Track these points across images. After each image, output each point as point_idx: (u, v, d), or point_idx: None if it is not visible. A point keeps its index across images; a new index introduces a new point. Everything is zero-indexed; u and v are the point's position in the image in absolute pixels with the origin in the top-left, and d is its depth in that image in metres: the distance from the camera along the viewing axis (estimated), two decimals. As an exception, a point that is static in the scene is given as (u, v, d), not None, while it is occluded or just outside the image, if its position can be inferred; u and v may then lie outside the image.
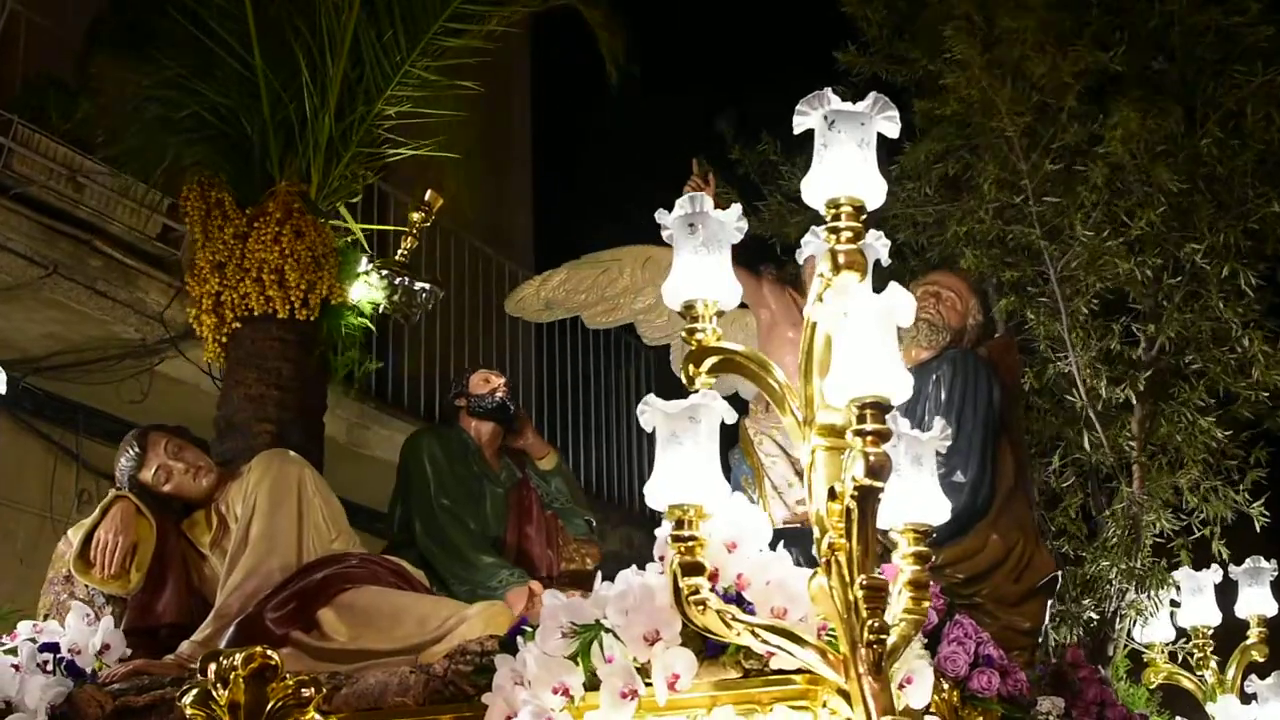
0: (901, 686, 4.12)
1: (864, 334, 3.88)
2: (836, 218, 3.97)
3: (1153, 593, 7.36)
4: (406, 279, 6.67)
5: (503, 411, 6.71)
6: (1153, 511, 7.70)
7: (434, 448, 6.60)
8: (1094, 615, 7.45)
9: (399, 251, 6.77)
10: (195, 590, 5.52)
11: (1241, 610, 7.69)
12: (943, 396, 5.83)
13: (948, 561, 5.54)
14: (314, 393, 6.48)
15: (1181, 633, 7.70)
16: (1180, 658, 7.69)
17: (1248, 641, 7.65)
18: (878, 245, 4.21)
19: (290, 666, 4.67)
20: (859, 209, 3.97)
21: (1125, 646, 7.49)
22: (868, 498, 3.81)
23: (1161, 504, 7.78)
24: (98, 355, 9.08)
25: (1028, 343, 8.27)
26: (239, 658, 4.41)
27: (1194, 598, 7.54)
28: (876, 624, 3.77)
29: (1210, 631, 7.58)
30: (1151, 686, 7.56)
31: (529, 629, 4.32)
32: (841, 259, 3.96)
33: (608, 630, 4.12)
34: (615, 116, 10.98)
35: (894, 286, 3.94)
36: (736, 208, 4.26)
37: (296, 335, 6.38)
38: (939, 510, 4.00)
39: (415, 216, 6.89)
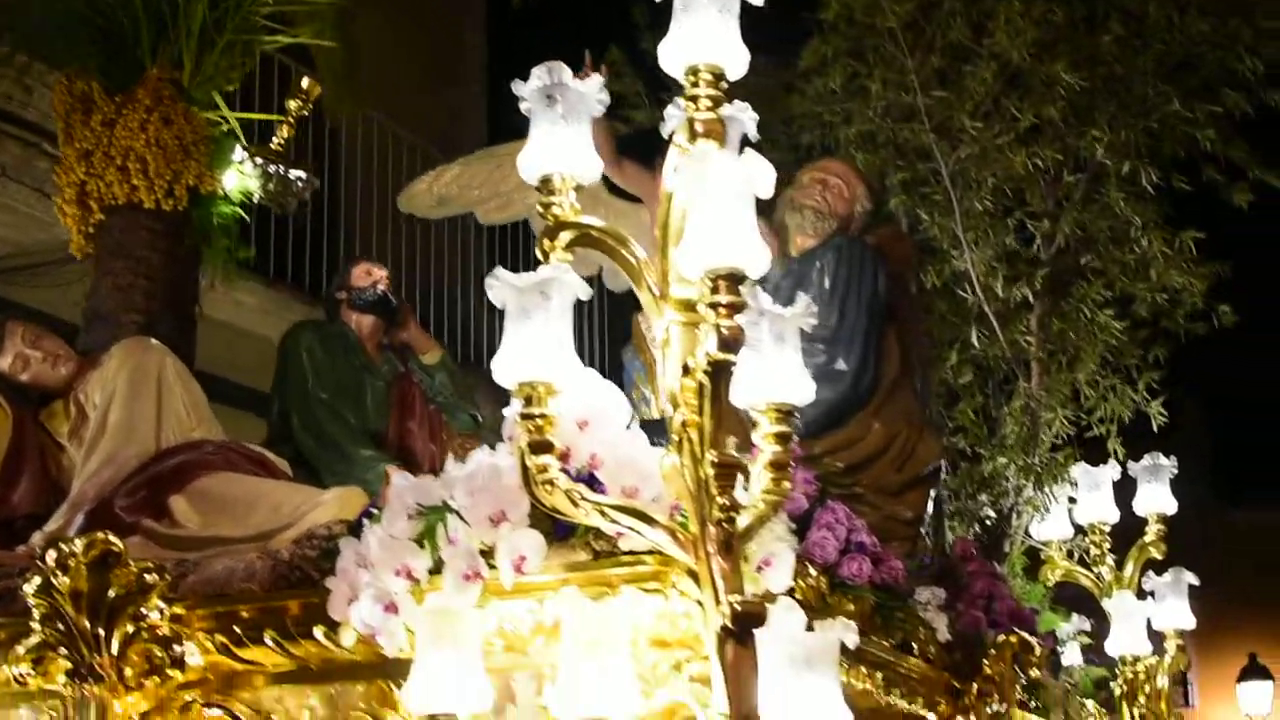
0: (760, 569, 3.99)
1: (720, 203, 3.71)
2: (695, 85, 3.79)
3: (1050, 489, 7.28)
4: (281, 168, 6.48)
5: (384, 304, 6.59)
6: (1051, 410, 7.61)
7: (312, 341, 6.47)
8: (991, 513, 7.37)
9: (274, 140, 6.59)
10: (53, 481, 5.34)
11: (1140, 508, 7.65)
12: (826, 284, 5.69)
13: (827, 450, 5.43)
14: (185, 283, 6.29)
15: (1079, 530, 7.64)
16: (1077, 555, 7.63)
17: (1146, 539, 7.61)
18: (742, 117, 4.03)
19: (139, 554, 4.55)
20: (718, 76, 3.79)
21: (1022, 544, 7.42)
22: (720, 372, 3.67)
23: (1060, 401, 7.69)
24: (46, 259, 8.84)
25: (929, 242, 8.15)
26: (79, 544, 4.27)
27: (1091, 494, 7.49)
28: (726, 502, 3.63)
29: (1108, 528, 7.54)
30: (1048, 584, 7.50)
31: (376, 512, 4.17)
32: (699, 127, 3.79)
33: (454, 512, 3.97)
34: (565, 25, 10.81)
35: (752, 154, 3.77)
36: (597, 78, 4.07)
37: (166, 225, 6.19)
38: (802, 390, 3.84)
39: (292, 105, 6.70)
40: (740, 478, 3.99)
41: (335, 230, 11.38)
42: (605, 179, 5.98)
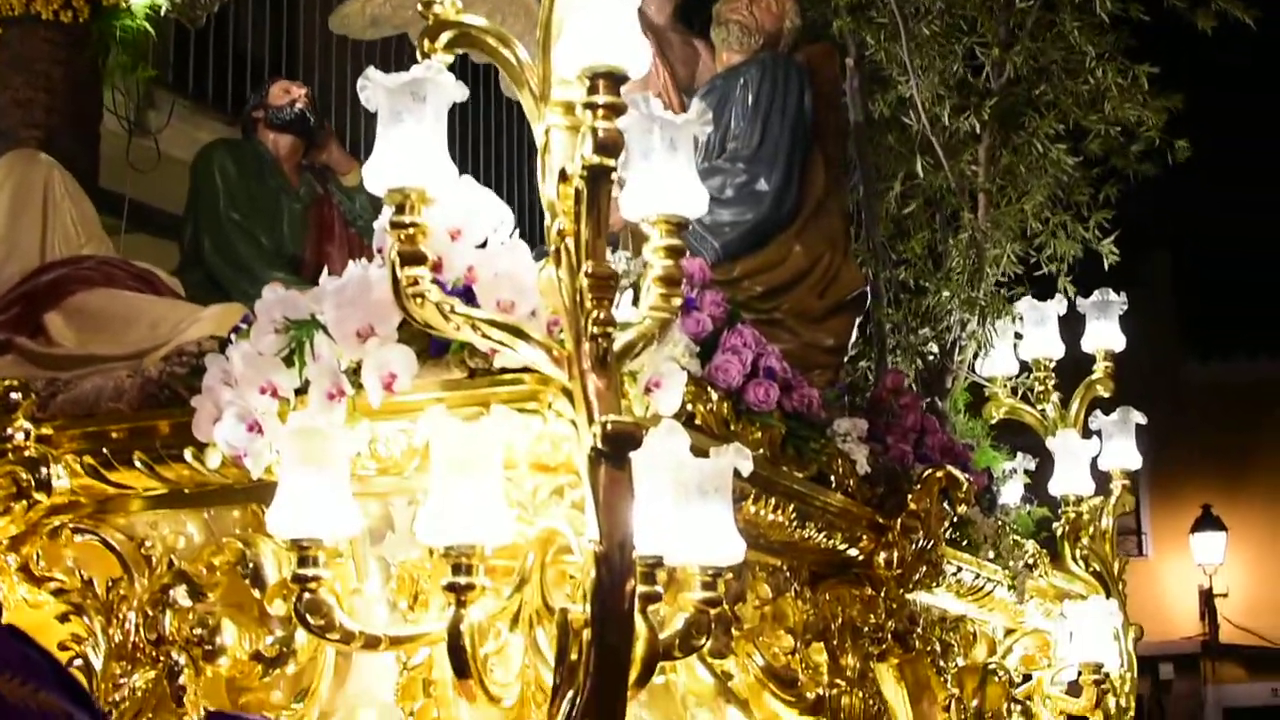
0: (649, 391, 3.77)
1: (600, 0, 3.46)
2: None
3: (994, 324, 7.06)
4: (188, -21, 6.18)
5: (302, 123, 6.33)
6: (998, 245, 7.36)
7: (225, 160, 6.21)
8: (933, 348, 7.16)
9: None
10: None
11: (1088, 344, 7.44)
12: (749, 101, 5.42)
13: (746, 273, 5.20)
14: (88, 98, 6.00)
15: (1024, 367, 7.44)
16: (1022, 392, 7.43)
17: (1093, 376, 7.41)
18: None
19: (11, 373, 4.32)
20: None
21: (965, 380, 7.22)
22: (599, 178, 3.43)
23: (1008, 236, 7.43)
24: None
25: (877, 71, 7.82)
26: (-62, 361, 4.03)
27: (1037, 329, 7.27)
28: (602, 315, 3.40)
29: (1053, 364, 7.33)
30: (992, 421, 7.31)
31: (246, 327, 3.94)
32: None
33: (321, 327, 3.74)
34: None
35: (636, -53, 3.50)
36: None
37: (67, 37, 5.88)
38: (695, 201, 3.60)
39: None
40: (630, 294, 3.79)
41: (294, 64, 10.99)
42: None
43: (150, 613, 4.09)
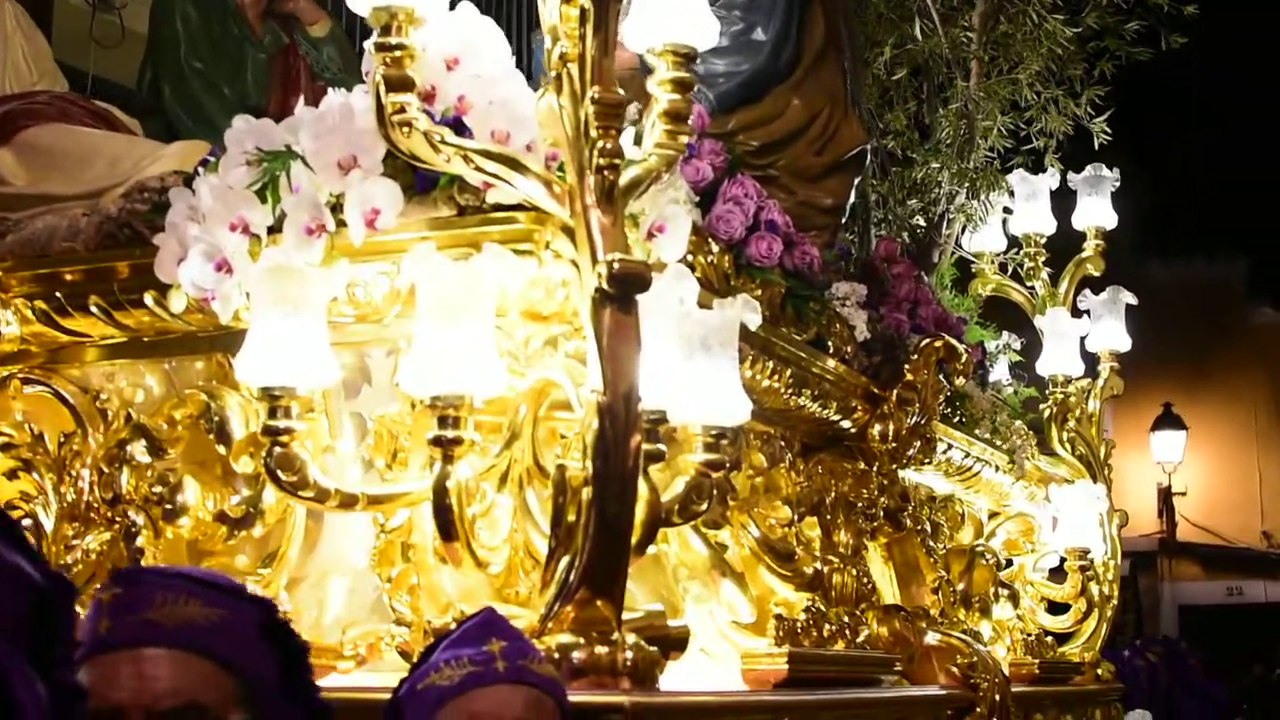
0: (652, 236, 3.48)
1: None
2: None
3: (984, 197, 6.79)
4: None
5: (267, -33, 5.95)
6: (990, 116, 7.07)
7: (186, 6, 5.82)
8: (921, 221, 6.88)
9: None
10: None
11: (1079, 221, 7.20)
12: (748, -56, 5.08)
13: (741, 126, 4.88)
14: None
15: (1014, 243, 7.18)
16: (1010, 269, 7.18)
17: (1083, 254, 7.17)
18: None
19: (-44, 216, 3.99)
20: None
21: (953, 255, 6.96)
22: (606, -4, 3.12)
23: (999, 107, 7.14)
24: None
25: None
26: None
27: (1028, 204, 7.02)
28: (609, 146, 3.11)
29: (1043, 240, 7.10)
30: (978, 297, 7.05)
31: (214, 159, 3.62)
32: None
33: (298, 157, 3.43)
34: None
35: None
36: None
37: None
38: (705, 31, 3.31)
39: None
40: (631, 132, 3.50)
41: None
42: None
43: (106, 470, 3.79)
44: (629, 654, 3.02)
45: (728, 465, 4.05)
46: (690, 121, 4.12)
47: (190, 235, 3.46)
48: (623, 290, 3.02)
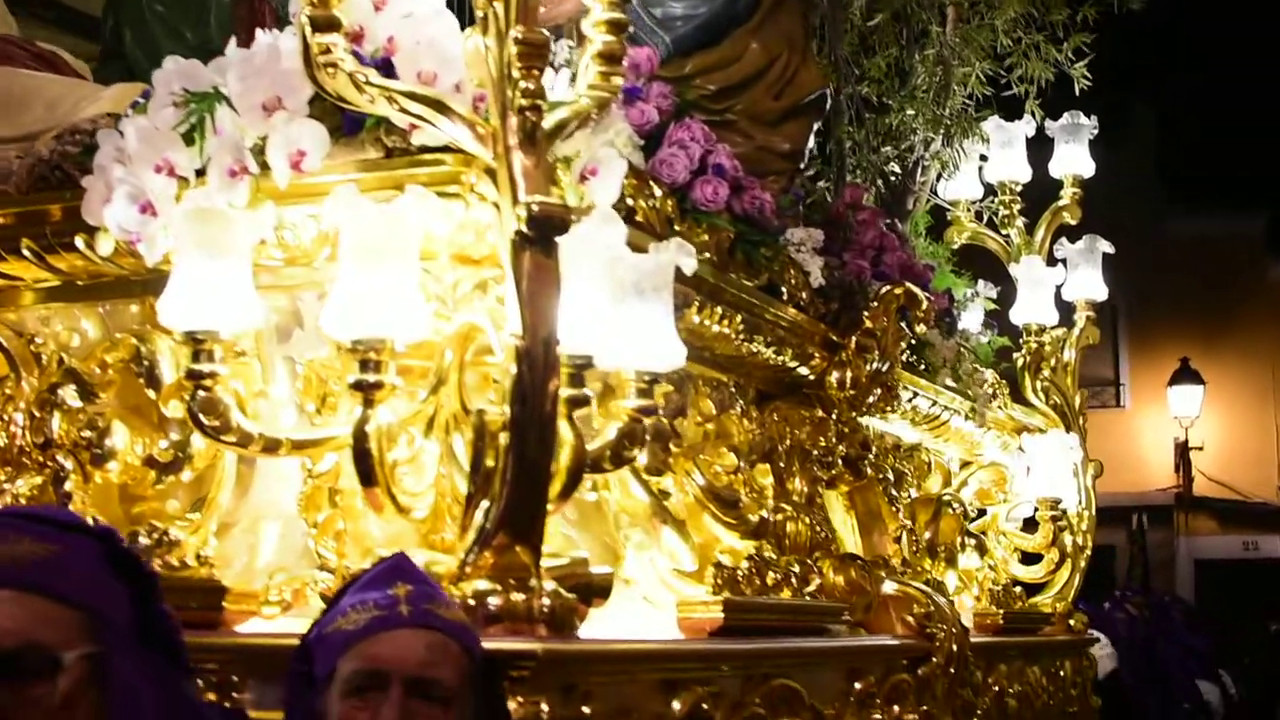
0: (584, 179, 3.43)
1: None
2: None
3: (960, 144, 6.71)
4: None
5: (230, -95, 5.86)
6: (967, 63, 6.98)
7: (147, -52, 5.75)
8: (896, 167, 6.81)
9: None
10: None
11: (1056, 169, 7.12)
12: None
13: (699, 69, 4.82)
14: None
15: (990, 191, 7.11)
16: (986, 218, 7.11)
17: (1060, 203, 7.10)
18: None
19: (-109, 155, 3.94)
20: None
21: (928, 202, 6.89)
22: (532, -69, 3.06)
23: (977, 54, 7.04)
24: None
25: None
26: None
27: (1004, 151, 6.94)
28: (531, 86, 3.06)
29: (1019, 188, 7.02)
30: (953, 245, 6.99)
31: (143, 101, 3.57)
32: None
33: (225, 99, 3.38)
34: None
35: None
36: None
37: None
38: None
39: None
40: (569, 75, 3.45)
41: None
42: None
43: (38, 414, 3.76)
44: (546, 601, 2.99)
45: (661, 411, 4.04)
46: (638, 67, 4.13)
47: (116, 177, 3.41)
48: (542, 233, 2.98)
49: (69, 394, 3.71)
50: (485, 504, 3.01)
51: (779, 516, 4.55)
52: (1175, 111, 19.94)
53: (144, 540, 3.38)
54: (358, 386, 3.11)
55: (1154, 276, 18.44)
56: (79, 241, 3.64)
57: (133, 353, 3.69)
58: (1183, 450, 19.63)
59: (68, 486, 3.64)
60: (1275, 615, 13.86)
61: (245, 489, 3.63)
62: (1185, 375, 19.42)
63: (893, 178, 6.74)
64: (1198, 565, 19.80)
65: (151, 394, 3.67)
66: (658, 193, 3.94)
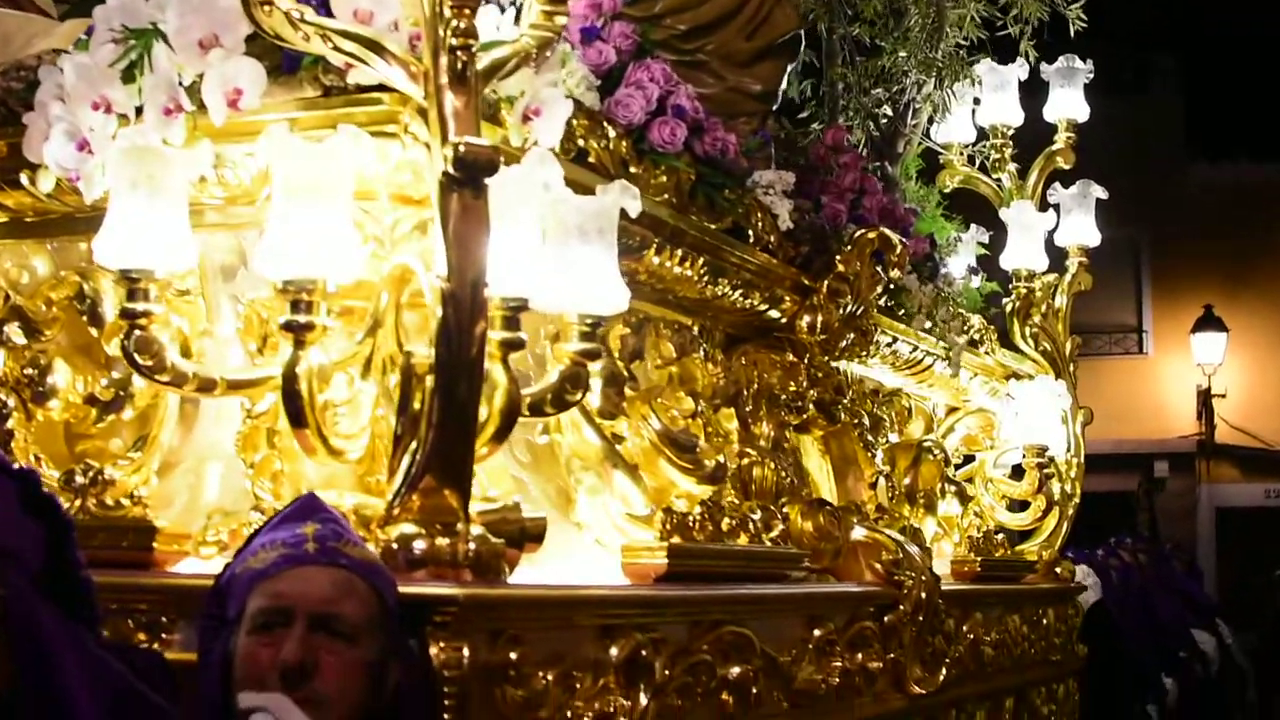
0: (527, 119, 3.39)
1: None
2: None
3: (952, 86, 6.63)
4: None
5: None
6: (961, 4, 6.87)
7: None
8: (887, 110, 6.74)
9: None
10: None
11: (1050, 113, 7.06)
12: None
13: (668, 9, 4.77)
14: None
15: (983, 135, 7.04)
16: (979, 162, 7.04)
17: (1054, 147, 7.04)
18: None
19: None
20: None
21: (919, 145, 6.81)
22: None
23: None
24: None
25: None
26: None
27: (996, 94, 6.88)
28: (462, 25, 3.02)
29: (1011, 131, 6.96)
30: (945, 189, 6.92)
31: (87, 38, 3.53)
32: None
33: (163, 36, 3.34)
34: None
35: None
36: None
37: None
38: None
39: None
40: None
41: None
42: None
43: (-17, 352, 3.75)
44: (472, 545, 2.97)
45: (623, 358, 4.01)
46: (599, 5, 4.07)
47: (53, 115, 3.38)
48: (469, 174, 2.94)
49: (14, 331, 3.70)
50: (412, 446, 2.98)
51: (744, 461, 4.53)
52: (1203, 57, 19.73)
53: (79, 479, 3.36)
54: (288, 327, 3.08)
55: (1179, 224, 18.31)
56: (24, 178, 3.61)
57: (77, 290, 3.67)
58: (1205, 398, 19.52)
59: (10, 424, 3.62)
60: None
61: (189, 429, 3.61)
62: (1209, 322, 19.28)
63: (884, 120, 6.66)
64: (1219, 513, 19.73)
65: (94, 332, 3.64)
66: (612, 134, 3.90)
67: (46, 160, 3.41)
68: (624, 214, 3.41)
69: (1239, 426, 19.59)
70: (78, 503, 3.34)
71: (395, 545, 2.93)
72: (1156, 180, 17.43)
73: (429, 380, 2.95)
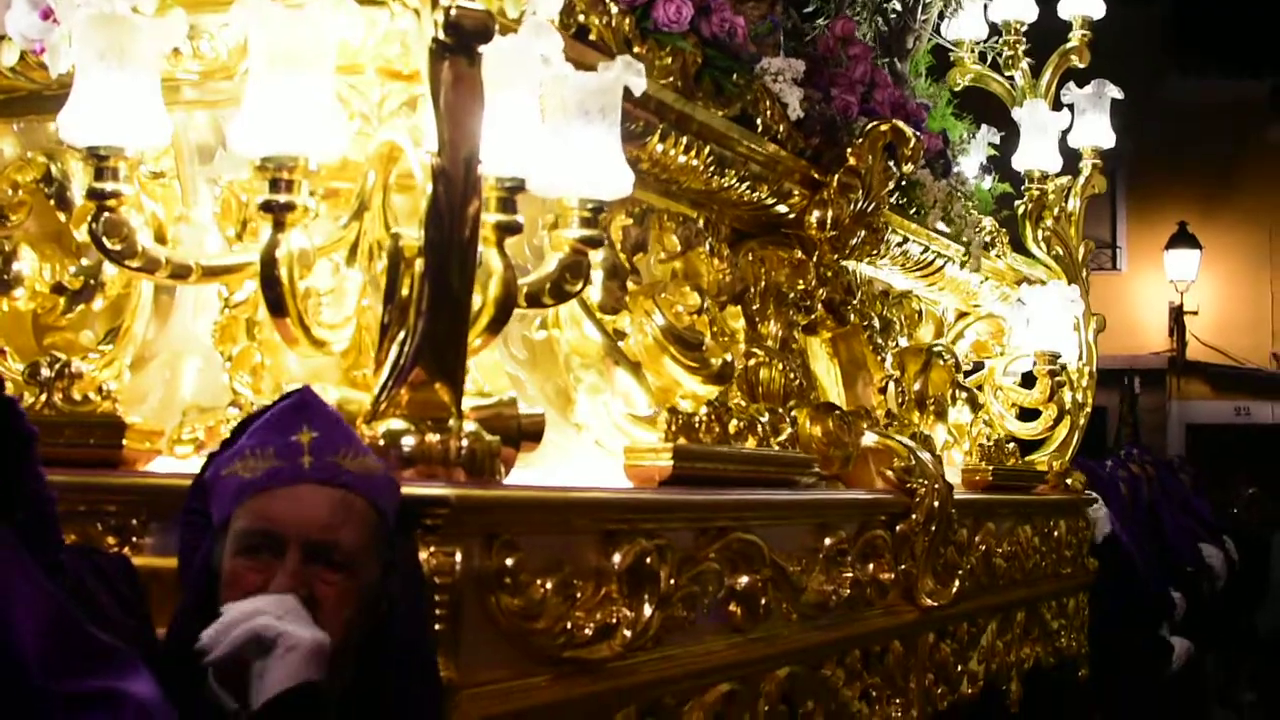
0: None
1: None
2: None
3: (963, -20, 6.39)
4: None
5: None
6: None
7: None
8: (896, 4, 6.49)
9: None
10: None
11: (1064, 10, 6.80)
12: None
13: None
14: None
15: (995, 32, 6.79)
16: (991, 59, 6.80)
17: (1068, 44, 6.79)
18: None
19: None
20: None
21: (930, 41, 6.57)
22: None
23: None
24: None
25: None
26: None
27: (1008, -13, 6.61)
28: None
29: (1024, 28, 6.71)
30: (956, 87, 6.67)
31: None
32: None
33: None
34: None
35: None
36: None
37: None
38: None
39: None
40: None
41: None
42: None
43: (-53, 238, 3.52)
44: (465, 443, 2.76)
45: (625, 249, 3.79)
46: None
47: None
48: (461, 40, 2.71)
49: (-22, 220, 3.47)
50: (400, 336, 2.76)
51: (750, 362, 4.33)
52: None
53: (45, 372, 3.14)
54: (267, 207, 2.85)
55: (1154, 139, 18.05)
56: (-12, 56, 3.37)
57: (44, 173, 3.44)
58: (1177, 314, 19.42)
59: (-26, 315, 3.41)
60: (1263, 481, 13.70)
61: (165, 321, 3.40)
62: (1182, 239, 19.16)
63: (893, 15, 6.40)
64: (1189, 429, 19.69)
65: (62, 217, 3.42)
66: (614, 10, 3.66)
67: (9, 31, 3.18)
68: (627, 94, 3.18)
69: (1211, 344, 19.49)
70: (43, 397, 3.12)
71: (383, 442, 2.72)
72: (1132, 95, 16.93)
73: (418, 264, 2.73)
